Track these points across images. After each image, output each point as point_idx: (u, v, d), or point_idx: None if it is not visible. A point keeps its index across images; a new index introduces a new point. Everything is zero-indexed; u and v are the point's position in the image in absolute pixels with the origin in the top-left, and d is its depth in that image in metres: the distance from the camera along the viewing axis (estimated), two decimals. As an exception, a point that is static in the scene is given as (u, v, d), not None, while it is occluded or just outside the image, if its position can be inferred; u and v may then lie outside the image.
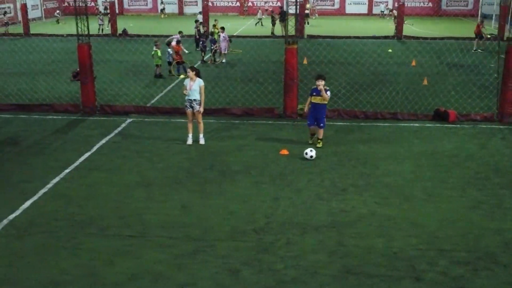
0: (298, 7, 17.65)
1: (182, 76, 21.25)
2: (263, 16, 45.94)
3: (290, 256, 7.66)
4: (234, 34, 34.00)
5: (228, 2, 57.02)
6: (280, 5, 52.86)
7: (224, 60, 25.08)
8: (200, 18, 35.03)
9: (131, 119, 15.04)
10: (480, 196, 9.77)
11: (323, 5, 55.59)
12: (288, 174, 10.84)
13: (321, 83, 12.15)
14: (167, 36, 25.69)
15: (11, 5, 46.56)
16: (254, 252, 7.77)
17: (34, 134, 13.66)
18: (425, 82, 19.78)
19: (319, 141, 12.51)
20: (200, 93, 12.43)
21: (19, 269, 7.35)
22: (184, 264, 7.47)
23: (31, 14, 44.40)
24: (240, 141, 13.07)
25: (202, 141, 12.76)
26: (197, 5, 56.04)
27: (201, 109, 12.57)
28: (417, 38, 34.12)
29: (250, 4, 56.28)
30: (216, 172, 10.99)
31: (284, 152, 12.09)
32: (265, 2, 55.22)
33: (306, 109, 12.91)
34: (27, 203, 9.42)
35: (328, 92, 12.32)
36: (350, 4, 56.00)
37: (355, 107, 15.92)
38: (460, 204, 9.43)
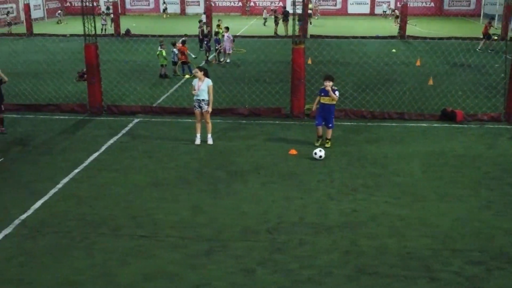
0: (303, 7, 17.64)
1: (187, 76, 21.25)
2: (268, 15, 45.88)
3: (304, 256, 7.64)
4: (237, 34, 33.97)
5: (230, 2, 57.01)
6: (282, 5, 52.89)
7: (228, 60, 25.07)
8: (204, 18, 35.05)
9: (138, 119, 15.03)
10: (491, 196, 9.75)
11: (325, 5, 55.59)
12: (298, 174, 10.83)
13: (328, 84, 12.15)
14: (171, 36, 25.70)
15: (14, 5, 46.60)
16: (268, 252, 7.76)
17: (42, 134, 13.65)
18: (431, 82, 19.77)
19: (327, 141, 12.51)
20: (208, 93, 12.43)
21: (32, 269, 7.34)
22: (198, 264, 7.45)
23: (34, 14, 44.39)
24: (248, 141, 13.06)
25: (210, 141, 12.76)
26: (199, 5, 56.13)
27: (210, 109, 12.57)
28: (421, 38, 34.11)
29: (252, 4, 56.26)
30: (225, 172, 10.97)
31: (293, 152, 12.08)
32: (271, 2, 55.13)
33: (314, 108, 12.92)
34: (38, 203, 9.41)
35: (337, 92, 12.32)
36: (352, 4, 56.02)
37: (362, 107, 15.91)
38: (472, 204, 9.42)
